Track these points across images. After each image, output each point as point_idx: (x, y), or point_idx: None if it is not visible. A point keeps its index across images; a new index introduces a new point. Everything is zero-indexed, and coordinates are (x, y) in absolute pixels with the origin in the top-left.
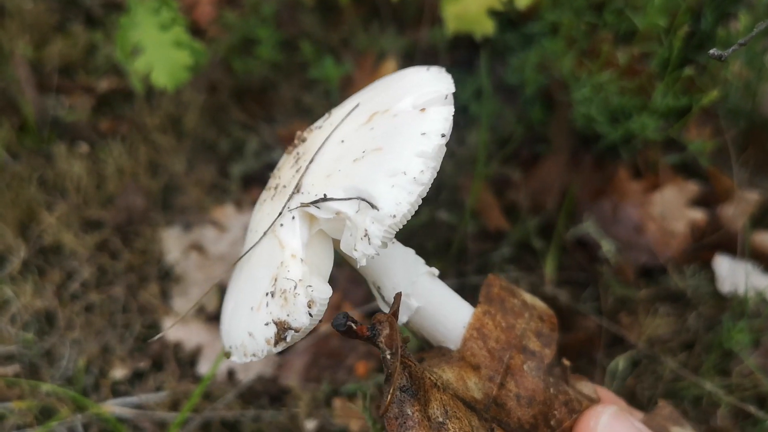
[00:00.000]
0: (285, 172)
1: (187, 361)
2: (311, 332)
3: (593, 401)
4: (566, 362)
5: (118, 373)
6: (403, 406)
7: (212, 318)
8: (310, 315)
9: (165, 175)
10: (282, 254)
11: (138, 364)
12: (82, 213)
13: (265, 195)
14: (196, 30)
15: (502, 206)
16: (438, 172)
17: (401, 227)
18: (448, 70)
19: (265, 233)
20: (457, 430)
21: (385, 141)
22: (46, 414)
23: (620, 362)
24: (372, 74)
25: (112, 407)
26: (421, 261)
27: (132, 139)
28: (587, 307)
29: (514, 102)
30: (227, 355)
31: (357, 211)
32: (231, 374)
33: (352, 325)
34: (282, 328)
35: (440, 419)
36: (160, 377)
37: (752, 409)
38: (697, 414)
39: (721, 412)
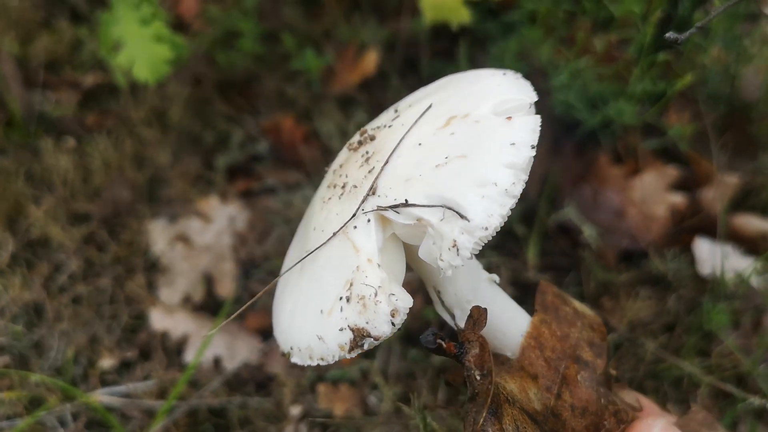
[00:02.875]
0: (352, 171)
1: (173, 350)
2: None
3: (636, 410)
4: (612, 371)
5: (106, 362)
6: (485, 426)
7: (198, 308)
8: (393, 324)
9: (150, 168)
10: (357, 258)
11: (125, 353)
12: (69, 206)
13: (329, 192)
14: (180, 24)
15: None
16: None
17: (489, 240)
18: (429, 61)
19: (335, 234)
20: None
21: (470, 148)
22: (35, 404)
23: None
24: (353, 65)
25: (101, 396)
26: (482, 267)
27: (118, 133)
28: (570, 292)
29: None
30: (286, 355)
31: (441, 220)
32: (217, 362)
33: (442, 342)
34: (360, 335)
35: None
36: (147, 366)
37: (732, 388)
38: (678, 395)
39: (701, 393)
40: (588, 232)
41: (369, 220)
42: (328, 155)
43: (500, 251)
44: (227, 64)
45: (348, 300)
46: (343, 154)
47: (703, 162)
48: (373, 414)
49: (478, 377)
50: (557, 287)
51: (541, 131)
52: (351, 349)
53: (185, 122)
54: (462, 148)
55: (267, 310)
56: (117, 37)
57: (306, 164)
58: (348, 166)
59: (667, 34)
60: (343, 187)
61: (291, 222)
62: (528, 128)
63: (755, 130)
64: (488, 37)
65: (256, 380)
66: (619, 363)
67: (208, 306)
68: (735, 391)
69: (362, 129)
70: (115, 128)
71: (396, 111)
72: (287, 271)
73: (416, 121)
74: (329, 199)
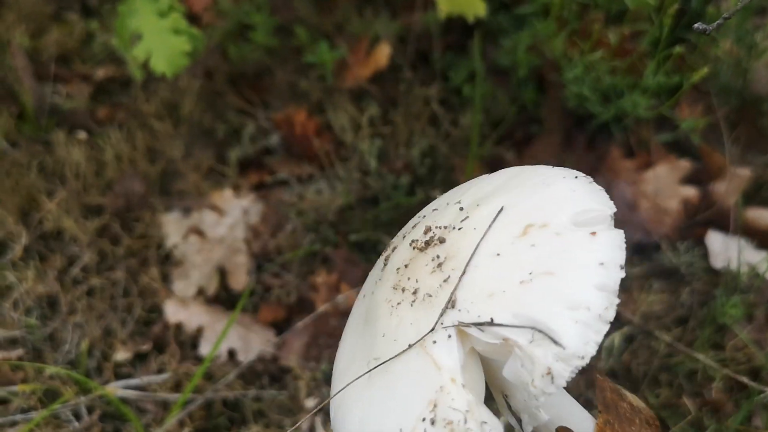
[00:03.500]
0: (423, 276)
1: (188, 342)
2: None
3: None
4: None
5: (121, 355)
6: None
7: (212, 300)
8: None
9: (163, 161)
10: (439, 376)
11: (140, 346)
12: (81, 199)
13: (396, 296)
14: (190, 17)
15: None
16: (433, 153)
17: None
18: (442, 54)
19: (410, 346)
20: None
21: (556, 265)
22: (49, 397)
23: (615, 339)
24: (366, 58)
25: (115, 389)
26: None
27: (129, 126)
28: None
29: (506, 84)
30: None
31: (531, 342)
32: (232, 355)
33: None
34: None
35: None
36: (161, 359)
37: (747, 380)
38: (692, 388)
39: (715, 386)
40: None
41: (450, 336)
42: (340, 148)
43: None
44: (239, 57)
45: (433, 423)
46: (405, 251)
47: (716, 155)
48: None
49: None
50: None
51: (554, 125)
52: None
53: (197, 115)
54: (546, 264)
55: (281, 302)
56: (134, 29)
57: (319, 157)
58: (416, 270)
59: (696, 25)
60: (414, 293)
61: (304, 214)
62: (614, 245)
63: (767, 124)
64: (501, 30)
65: (270, 373)
66: (632, 356)
67: (222, 299)
68: (751, 384)
69: (426, 226)
70: (126, 121)
71: (461, 208)
72: (355, 380)
73: (489, 226)
74: (398, 304)
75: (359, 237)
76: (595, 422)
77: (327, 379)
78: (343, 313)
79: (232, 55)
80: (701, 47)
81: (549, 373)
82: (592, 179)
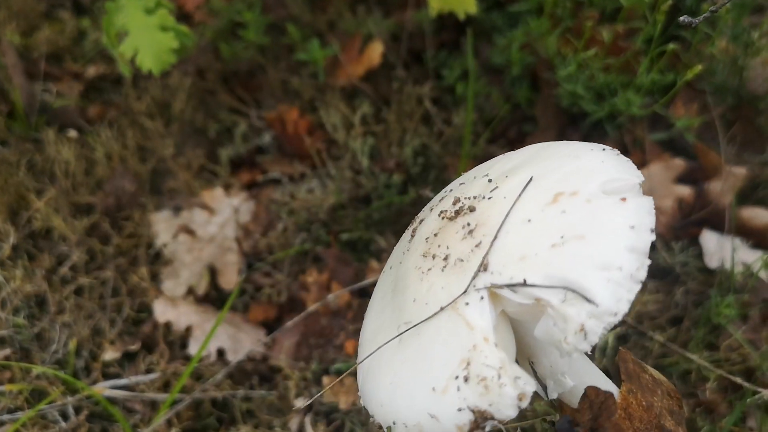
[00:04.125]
0: (454, 242)
1: (177, 342)
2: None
3: None
4: None
5: (109, 355)
6: None
7: (202, 300)
8: (519, 408)
9: (154, 160)
10: (472, 336)
11: (128, 346)
12: (71, 198)
13: (427, 263)
14: (182, 15)
15: None
16: (425, 152)
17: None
18: (435, 52)
19: (442, 308)
20: None
21: (587, 229)
22: (37, 397)
23: (609, 338)
24: (358, 56)
25: (103, 389)
26: None
27: (120, 124)
28: None
29: (500, 82)
30: (388, 430)
31: (563, 301)
32: (221, 354)
33: (578, 429)
34: (482, 417)
35: None
36: (150, 359)
37: (741, 381)
38: (686, 388)
39: (709, 386)
40: None
41: (482, 297)
42: (332, 147)
43: None
44: (231, 56)
45: (466, 380)
46: (434, 222)
47: (711, 154)
48: None
49: None
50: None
51: (548, 123)
52: (471, 430)
53: (188, 114)
54: (577, 228)
55: (271, 301)
56: (121, 26)
57: (311, 156)
58: (447, 237)
59: (682, 18)
60: (445, 259)
61: (295, 213)
62: (644, 210)
63: (763, 123)
64: (494, 28)
65: (260, 373)
66: None
67: (213, 298)
68: (745, 384)
69: (455, 197)
70: (117, 119)
71: (490, 180)
72: (386, 343)
73: (520, 195)
74: (429, 270)
75: (351, 236)
76: (619, 391)
77: (317, 379)
78: (334, 313)
79: (224, 53)
80: (696, 45)
81: (582, 329)
82: (619, 152)
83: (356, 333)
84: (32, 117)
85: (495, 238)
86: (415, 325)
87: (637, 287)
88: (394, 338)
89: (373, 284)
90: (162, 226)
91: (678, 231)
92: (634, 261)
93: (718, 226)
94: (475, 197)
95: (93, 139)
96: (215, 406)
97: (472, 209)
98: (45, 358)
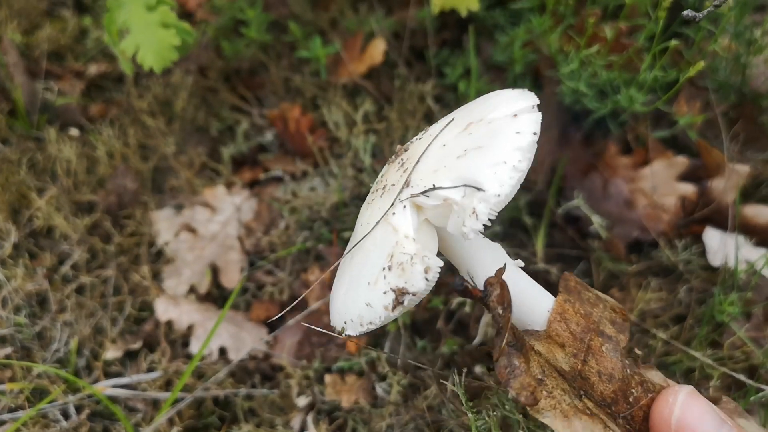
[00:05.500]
0: (391, 175)
1: (179, 341)
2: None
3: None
4: (637, 351)
5: (110, 354)
6: (511, 358)
7: (203, 298)
8: (426, 280)
9: (155, 158)
10: (396, 236)
11: (130, 345)
12: (72, 196)
13: (372, 196)
14: (183, 13)
15: None
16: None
17: (503, 207)
18: (437, 50)
19: (377, 222)
20: (554, 386)
21: (485, 141)
22: (38, 396)
23: None
24: (360, 54)
25: (105, 388)
26: (506, 254)
27: (122, 123)
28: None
29: (502, 79)
30: (341, 331)
31: (463, 196)
32: (223, 353)
33: (468, 286)
34: (400, 293)
35: (539, 376)
36: (151, 358)
37: (745, 378)
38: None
39: (713, 384)
40: (597, 222)
41: (405, 206)
42: (334, 145)
43: (509, 241)
44: (232, 53)
45: (389, 268)
46: (385, 168)
47: (714, 152)
48: (381, 404)
49: (500, 312)
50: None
51: (550, 121)
52: (394, 308)
53: (190, 112)
54: (478, 142)
55: (273, 300)
56: (122, 23)
57: (313, 154)
58: (388, 174)
59: (685, 12)
60: (384, 188)
61: (298, 212)
62: (531, 120)
63: (765, 120)
64: (496, 26)
65: (262, 371)
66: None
67: (214, 297)
68: (748, 382)
69: (398, 147)
70: (119, 118)
71: (426, 129)
72: (338, 262)
73: (440, 131)
74: (372, 200)
75: None
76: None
77: (319, 378)
78: None
79: (225, 51)
80: (698, 42)
81: (474, 212)
82: (527, 89)
83: None
84: (34, 115)
85: (417, 162)
86: (358, 242)
87: (519, 175)
88: (345, 256)
89: None
90: (164, 224)
91: (681, 229)
92: (517, 155)
93: (721, 223)
94: (411, 142)
95: (94, 137)
96: (217, 405)
97: (406, 150)
98: (46, 356)
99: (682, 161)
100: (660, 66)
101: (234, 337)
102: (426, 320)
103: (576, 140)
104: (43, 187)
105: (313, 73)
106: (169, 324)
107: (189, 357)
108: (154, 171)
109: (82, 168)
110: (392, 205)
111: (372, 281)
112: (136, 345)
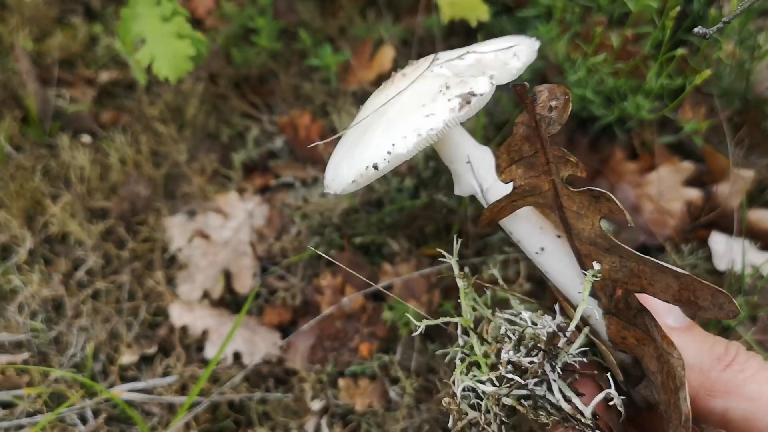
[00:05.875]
0: (397, 79)
1: (193, 345)
2: None
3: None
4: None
5: (126, 358)
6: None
7: (217, 304)
8: (491, 84)
9: (167, 165)
10: (445, 78)
11: (145, 349)
12: (86, 203)
13: (382, 88)
14: (193, 21)
15: None
16: (437, 156)
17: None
18: None
19: (413, 81)
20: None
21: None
22: (55, 400)
23: None
24: (369, 61)
25: (121, 392)
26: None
27: (134, 130)
28: None
29: (508, 87)
30: (375, 167)
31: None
32: (237, 357)
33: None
34: (466, 97)
35: None
36: (167, 362)
37: None
38: None
39: None
40: (604, 227)
41: (441, 66)
42: None
43: (517, 247)
44: (242, 61)
45: (448, 87)
46: (377, 92)
47: (719, 157)
48: (394, 408)
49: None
50: None
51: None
52: (461, 107)
53: (201, 119)
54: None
55: (285, 305)
56: (137, 34)
57: (323, 160)
58: (389, 85)
59: (696, 29)
60: (392, 83)
61: (309, 218)
62: (531, 49)
63: None
64: (503, 33)
65: (275, 376)
66: None
67: (227, 302)
68: None
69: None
70: (131, 125)
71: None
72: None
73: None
74: (382, 91)
75: (364, 240)
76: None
77: (332, 382)
78: (348, 316)
79: (235, 58)
80: (703, 50)
81: (515, 55)
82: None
83: (371, 336)
84: (46, 122)
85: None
86: (393, 97)
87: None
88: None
89: (387, 287)
90: (177, 230)
91: (687, 234)
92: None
93: (726, 228)
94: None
95: (107, 144)
96: (232, 409)
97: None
98: (63, 361)
99: (687, 167)
100: (666, 74)
101: (248, 341)
102: (437, 325)
103: (582, 146)
104: (57, 194)
105: (323, 80)
106: (184, 329)
107: (203, 361)
108: (166, 177)
109: (95, 175)
110: (429, 68)
111: (428, 102)
112: (152, 350)
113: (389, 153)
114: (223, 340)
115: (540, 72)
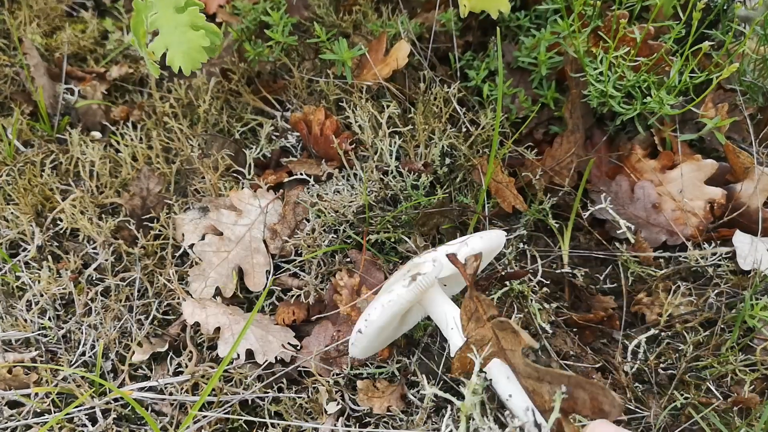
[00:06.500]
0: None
1: (205, 344)
2: None
3: None
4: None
5: (136, 357)
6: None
7: (230, 301)
8: (433, 264)
9: (179, 161)
10: (410, 266)
11: (156, 348)
12: (96, 199)
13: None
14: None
15: (517, 186)
16: (453, 154)
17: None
18: (461, 52)
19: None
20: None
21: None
22: (64, 400)
23: (642, 341)
24: (384, 57)
25: (131, 391)
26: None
27: (145, 125)
28: (606, 287)
29: (526, 82)
30: (359, 331)
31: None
32: (250, 356)
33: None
34: (414, 275)
35: None
36: (178, 361)
37: None
38: (721, 392)
39: (746, 389)
40: (624, 225)
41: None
42: (359, 148)
43: (535, 244)
44: (255, 56)
45: (408, 272)
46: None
47: (742, 155)
48: (413, 411)
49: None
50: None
51: (576, 124)
52: (409, 283)
53: (213, 115)
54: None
55: (299, 303)
56: (151, 25)
57: (337, 156)
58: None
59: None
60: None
61: (323, 215)
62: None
63: None
64: (520, 28)
65: (289, 375)
66: (658, 359)
67: (240, 300)
68: None
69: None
70: (142, 120)
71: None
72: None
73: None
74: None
75: (379, 237)
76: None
77: (348, 383)
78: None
79: (248, 53)
80: (728, 44)
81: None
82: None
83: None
84: (55, 117)
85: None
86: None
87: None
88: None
89: None
90: (188, 227)
91: (710, 232)
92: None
93: (750, 228)
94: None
95: (117, 139)
96: (244, 409)
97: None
98: (72, 360)
99: (710, 164)
100: (690, 68)
101: (261, 340)
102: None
103: (602, 143)
104: (67, 190)
105: (337, 75)
106: (196, 327)
107: (215, 360)
108: (177, 173)
109: (105, 170)
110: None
111: (391, 285)
112: (163, 348)
113: (366, 320)
114: (235, 338)
115: (557, 67)
